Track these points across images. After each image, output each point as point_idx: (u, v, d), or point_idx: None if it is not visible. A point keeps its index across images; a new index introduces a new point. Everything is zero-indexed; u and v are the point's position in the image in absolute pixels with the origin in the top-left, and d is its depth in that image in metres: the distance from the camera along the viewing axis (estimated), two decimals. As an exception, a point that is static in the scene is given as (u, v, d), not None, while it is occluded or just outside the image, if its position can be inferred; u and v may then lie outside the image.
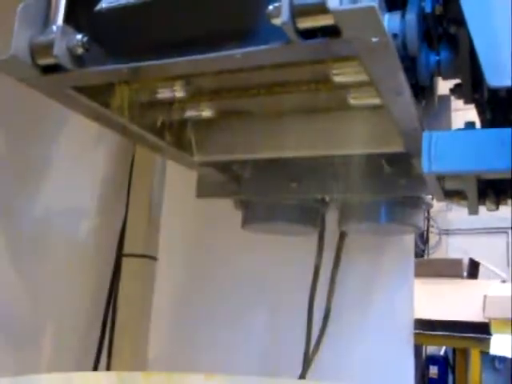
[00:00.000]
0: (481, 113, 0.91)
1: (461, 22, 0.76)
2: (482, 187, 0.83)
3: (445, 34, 0.84)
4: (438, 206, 5.47)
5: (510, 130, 0.73)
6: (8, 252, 1.33)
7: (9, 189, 1.33)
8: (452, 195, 0.87)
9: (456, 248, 5.57)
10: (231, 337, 1.61)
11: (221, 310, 1.62)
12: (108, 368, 1.47)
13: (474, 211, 0.88)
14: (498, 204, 0.84)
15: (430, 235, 5.63)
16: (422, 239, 5.35)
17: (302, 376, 1.46)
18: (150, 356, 1.52)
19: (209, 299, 1.63)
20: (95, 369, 1.48)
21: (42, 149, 1.44)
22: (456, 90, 0.88)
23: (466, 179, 0.79)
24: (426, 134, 0.76)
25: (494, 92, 0.80)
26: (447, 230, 5.89)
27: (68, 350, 1.48)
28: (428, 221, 5.33)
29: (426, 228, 5.32)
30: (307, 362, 1.48)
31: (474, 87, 0.85)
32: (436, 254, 5.66)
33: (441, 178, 0.82)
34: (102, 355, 1.51)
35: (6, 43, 0.79)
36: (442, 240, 5.87)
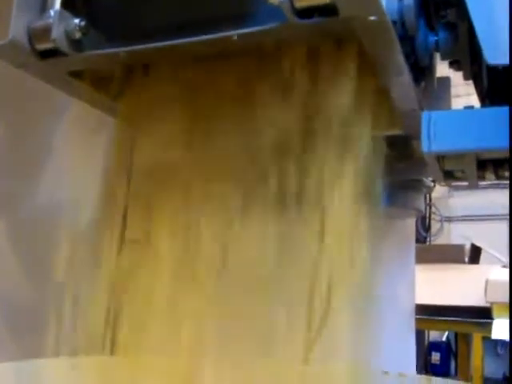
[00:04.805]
0: (480, 93, 0.91)
1: (459, 1, 0.75)
2: (481, 164, 0.83)
3: (443, 14, 0.84)
4: (439, 192, 5.47)
5: (509, 108, 0.73)
6: (10, 241, 1.33)
7: (9, 178, 1.33)
8: (451, 174, 0.87)
9: (458, 234, 5.57)
10: (232, 322, 1.61)
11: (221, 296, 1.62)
12: (112, 353, 1.47)
13: (473, 185, 0.89)
14: (497, 175, 0.85)
15: (432, 222, 5.64)
16: (424, 226, 5.37)
17: (304, 361, 1.47)
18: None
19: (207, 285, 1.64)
20: (100, 354, 1.49)
21: (43, 138, 1.44)
22: (454, 65, 0.88)
23: (466, 158, 0.79)
24: (425, 114, 0.77)
25: (494, 71, 0.79)
26: (449, 217, 5.89)
27: (71, 336, 1.49)
28: (430, 207, 5.34)
29: (428, 215, 5.33)
30: (308, 347, 1.49)
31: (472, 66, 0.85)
32: (438, 240, 5.68)
33: (440, 158, 0.82)
34: (106, 342, 1.51)
35: (3, 31, 0.79)
36: (443, 226, 5.88)
